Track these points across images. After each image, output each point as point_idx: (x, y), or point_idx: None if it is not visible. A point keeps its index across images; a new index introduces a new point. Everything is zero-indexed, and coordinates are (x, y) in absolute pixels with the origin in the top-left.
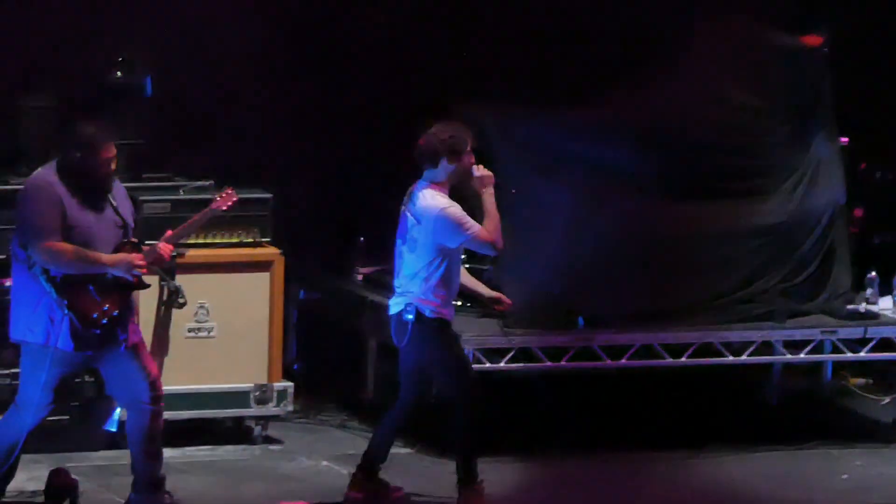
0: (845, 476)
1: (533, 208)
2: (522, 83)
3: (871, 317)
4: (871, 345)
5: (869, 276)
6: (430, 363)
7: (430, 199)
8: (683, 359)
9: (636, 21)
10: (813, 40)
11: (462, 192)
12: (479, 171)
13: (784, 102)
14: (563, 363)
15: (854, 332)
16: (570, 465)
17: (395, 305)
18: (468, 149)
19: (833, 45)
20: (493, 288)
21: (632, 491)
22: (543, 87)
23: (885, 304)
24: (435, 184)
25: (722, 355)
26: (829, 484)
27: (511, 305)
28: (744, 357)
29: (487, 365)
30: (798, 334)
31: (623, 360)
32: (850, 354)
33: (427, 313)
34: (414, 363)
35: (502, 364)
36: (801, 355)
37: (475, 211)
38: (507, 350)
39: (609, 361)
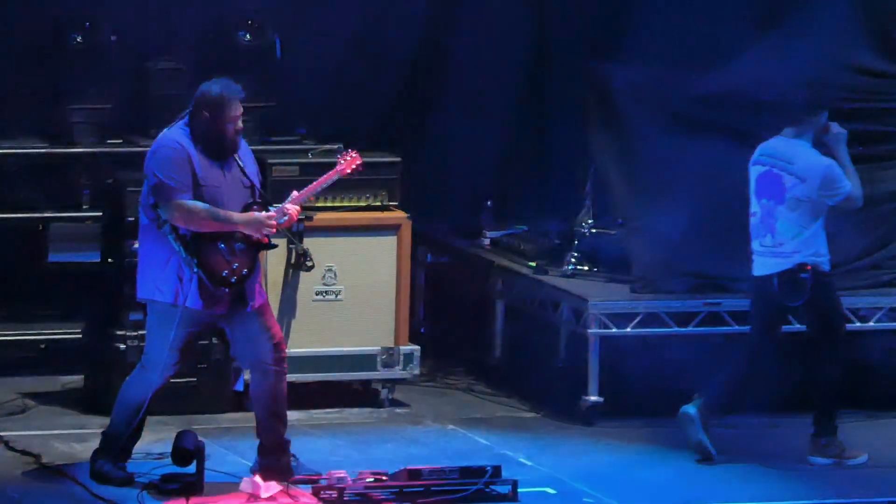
0: None
1: (664, 171)
2: (653, 46)
3: None
4: None
5: None
6: (816, 313)
7: (815, 156)
8: None
9: None
10: None
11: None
12: (834, 128)
13: None
14: (690, 328)
15: None
16: None
17: (774, 266)
18: (824, 105)
19: None
20: (620, 252)
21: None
22: (672, 50)
23: None
24: (802, 139)
25: (849, 321)
26: None
27: None
28: (871, 323)
29: (614, 330)
30: None
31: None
32: None
33: (823, 268)
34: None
35: (629, 329)
36: None
37: None
38: (635, 315)
39: (737, 326)
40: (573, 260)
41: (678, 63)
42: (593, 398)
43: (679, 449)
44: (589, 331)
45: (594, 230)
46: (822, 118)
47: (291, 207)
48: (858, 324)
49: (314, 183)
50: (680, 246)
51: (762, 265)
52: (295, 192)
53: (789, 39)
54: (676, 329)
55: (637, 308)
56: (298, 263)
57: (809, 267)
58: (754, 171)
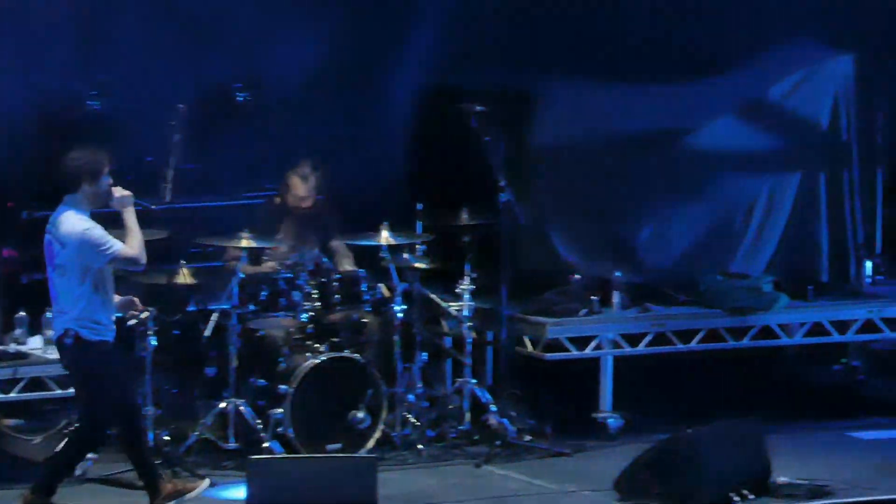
0: None
1: None
2: None
3: (21, 357)
4: (21, 384)
5: (18, 315)
6: (85, 384)
7: (72, 223)
8: None
9: None
10: None
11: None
12: (118, 192)
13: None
14: None
15: (3, 372)
16: None
17: (56, 331)
18: (106, 170)
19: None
20: None
21: None
22: None
23: (35, 344)
24: (76, 207)
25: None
26: None
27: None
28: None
29: None
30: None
31: None
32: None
33: (85, 336)
34: (77, 387)
35: None
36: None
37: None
38: None
39: None
40: None
41: None
42: None
43: None
44: None
45: None
46: (101, 186)
47: None
48: None
49: None
50: None
51: (54, 331)
52: None
53: None
54: None
55: None
56: None
57: (74, 333)
58: (49, 239)
